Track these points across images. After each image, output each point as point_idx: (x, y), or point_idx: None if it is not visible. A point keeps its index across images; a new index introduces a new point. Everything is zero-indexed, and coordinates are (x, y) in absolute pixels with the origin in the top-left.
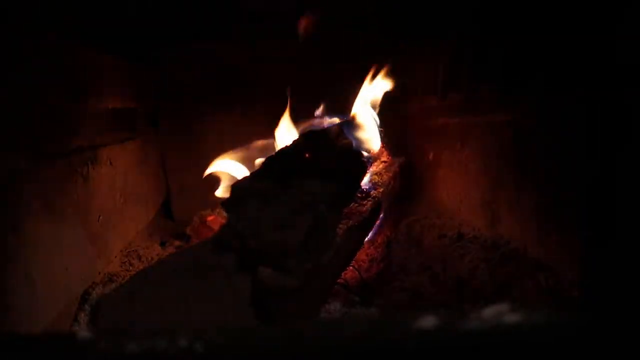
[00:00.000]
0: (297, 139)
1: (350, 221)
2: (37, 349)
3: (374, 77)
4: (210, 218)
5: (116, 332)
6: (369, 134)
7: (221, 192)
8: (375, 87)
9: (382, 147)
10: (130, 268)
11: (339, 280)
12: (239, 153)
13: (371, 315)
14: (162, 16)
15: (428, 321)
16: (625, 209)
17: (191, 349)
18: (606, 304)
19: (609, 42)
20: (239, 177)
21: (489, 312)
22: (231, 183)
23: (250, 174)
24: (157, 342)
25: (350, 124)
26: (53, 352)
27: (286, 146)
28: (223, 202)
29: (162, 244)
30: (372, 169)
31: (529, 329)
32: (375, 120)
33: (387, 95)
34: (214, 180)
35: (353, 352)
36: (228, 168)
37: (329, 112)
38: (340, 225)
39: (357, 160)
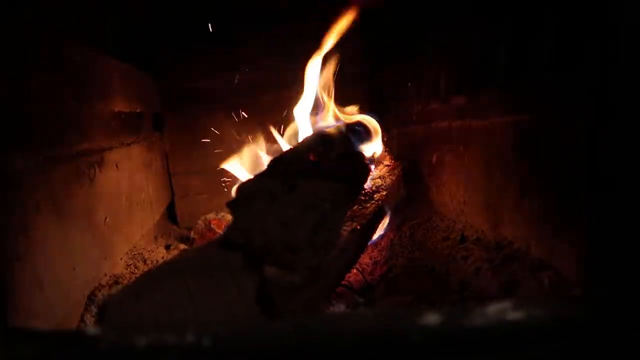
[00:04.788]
0: (302, 141)
1: (354, 223)
2: (50, 343)
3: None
4: (214, 221)
5: (125, 327)
6: (372, 138)
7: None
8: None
9: (385, 150)
10: (136, 270)
11: (343, 282)
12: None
13: (376, 312)
14: (168, 22)
15: (432, 317)
16: (628, 205)
17: (199, 342)
18: (608, 299)
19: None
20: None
21: (492, 308)
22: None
23: (256, 174)
24: (166, 336)
25: (352, 128)
26: (66, 346)
27: (291, 148)
28: (229, 202)
29: (167, 247)
30: (376, 172)
31: (531, 324)
32: (378, 124)
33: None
34: (219, 183)
35: (359, 344)
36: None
37: (331, 116)
38: (345, 227)
39: (360, 163)
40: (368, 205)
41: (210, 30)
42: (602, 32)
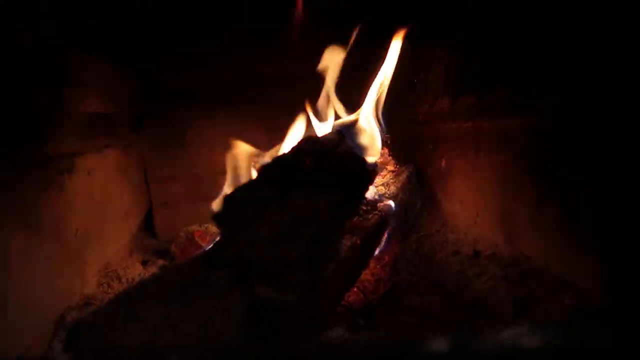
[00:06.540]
0: (296, 145)
1: (354, 236)
2: None
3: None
4: (198, 234)
5: (100, 355)
6: (374, 140)
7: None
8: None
9: (389, 154)
10: (109, 290)
11: (342, 302)
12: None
13: (378, 338)
14: (150, 16)
15: (439, 344)
16: None
17: None
18: (632, 325)
19: (624, 34)
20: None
21: (507, 334)
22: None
23: (244, 183)
24: None
25: (352, 129)
26: None
27: (284, 153)
28: (214, 215)
29: (144, 263)
30: (378, 179)
31: (549, 353)
32: (381, 125)
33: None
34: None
35: None
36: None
37: (327, 117)
38: (344, 241)
39: (361, 169)
40: (370, 216)
41: (197, 26)
42: (622, 38)
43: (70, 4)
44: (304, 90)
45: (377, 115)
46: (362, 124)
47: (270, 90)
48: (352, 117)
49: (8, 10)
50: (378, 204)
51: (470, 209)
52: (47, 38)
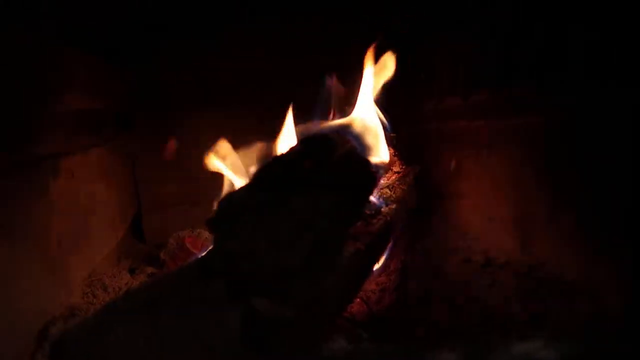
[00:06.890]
0: (295, 145)
1: (358, 243)
2: None
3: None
4: (189, 239)
5: None
6: (378, 140)
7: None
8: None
9: (394, 154)
10: (95, 300)
11: (344, 314)
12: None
13: (382, 351)
14: (150, 16)
15: (449, 357)
16: None
17: None
18: None
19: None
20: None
21: (521, 347)
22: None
23: (241, 186)
24: None
25: (355, 128)
26: None
27: (282, 154)
28: (208, 219)
29: (132, 271)
30: (383, 181)
31: None
32: (386, 124)
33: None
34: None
35: None
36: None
37: (328, 114)
38: (346, 247)
39: (365, 170)
40: (374, 221)
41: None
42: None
43: (70, 4)
44: (304, 92)
45: (380, 115)
46: (365, 123)
47: (270, 91)
48: (348, 117)
49: (8, 10)
50: (382, 209)
51: (482, 214)
52: (47, 38)
